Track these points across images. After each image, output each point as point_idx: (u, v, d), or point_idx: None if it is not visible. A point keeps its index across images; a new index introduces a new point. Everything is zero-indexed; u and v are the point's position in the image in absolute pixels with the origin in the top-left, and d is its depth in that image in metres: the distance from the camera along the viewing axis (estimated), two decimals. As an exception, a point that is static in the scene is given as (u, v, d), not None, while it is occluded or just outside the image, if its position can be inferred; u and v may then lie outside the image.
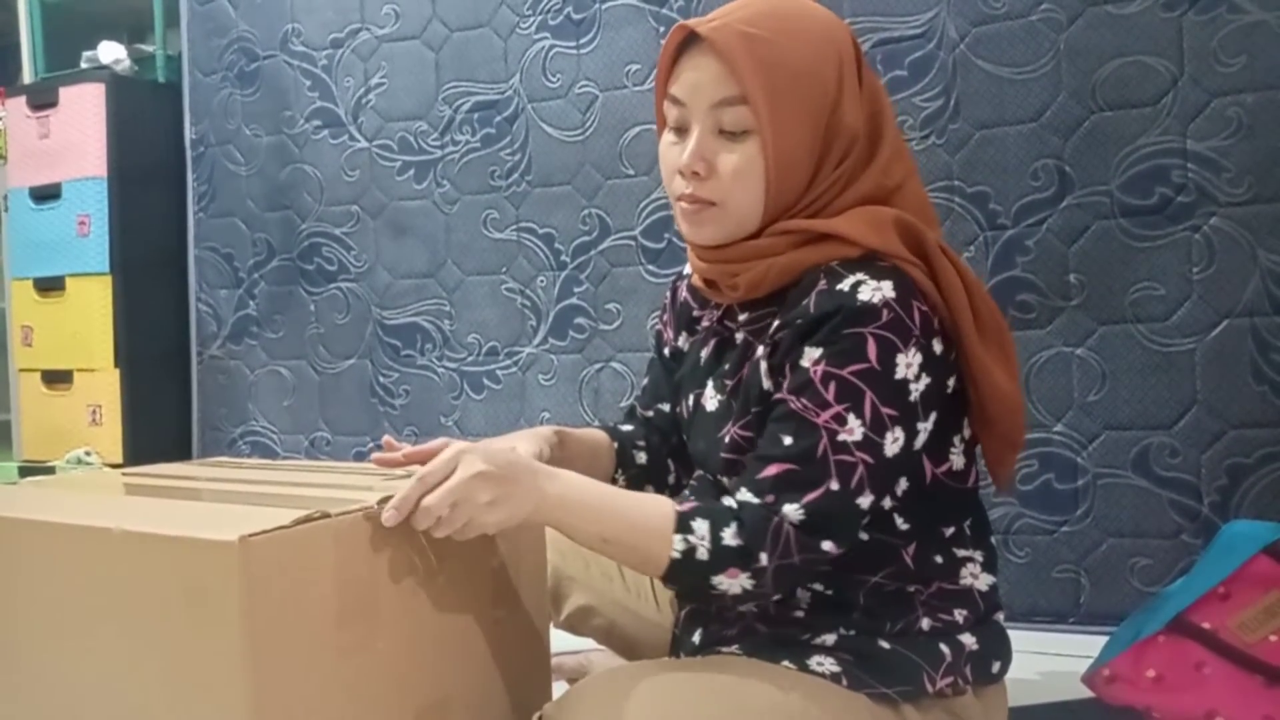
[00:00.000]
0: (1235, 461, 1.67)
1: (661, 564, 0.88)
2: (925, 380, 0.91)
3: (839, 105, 0.94)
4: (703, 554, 0.87)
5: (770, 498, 0.88)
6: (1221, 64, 1.66)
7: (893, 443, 0.90)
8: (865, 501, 0.89)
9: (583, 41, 2.15)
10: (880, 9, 1.87)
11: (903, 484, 0.95)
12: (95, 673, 0.81)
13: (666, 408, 1.21)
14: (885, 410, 0.89)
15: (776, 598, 0.93)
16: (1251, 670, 1.24)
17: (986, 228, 1.81)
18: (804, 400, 0.89)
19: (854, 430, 0.88)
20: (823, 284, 0.92)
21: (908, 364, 0.90)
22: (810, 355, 0.90)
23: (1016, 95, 1.79)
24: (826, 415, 0.88)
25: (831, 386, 0.89)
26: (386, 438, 1.00)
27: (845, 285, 0.91)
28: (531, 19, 2.19)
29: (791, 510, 0.87)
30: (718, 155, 0.94)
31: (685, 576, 0.89)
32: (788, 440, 0.89)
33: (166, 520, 0.81)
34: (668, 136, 0.99)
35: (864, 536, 0.93)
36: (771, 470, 0.89)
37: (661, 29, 2.07)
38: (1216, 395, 1.68)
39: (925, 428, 0.92)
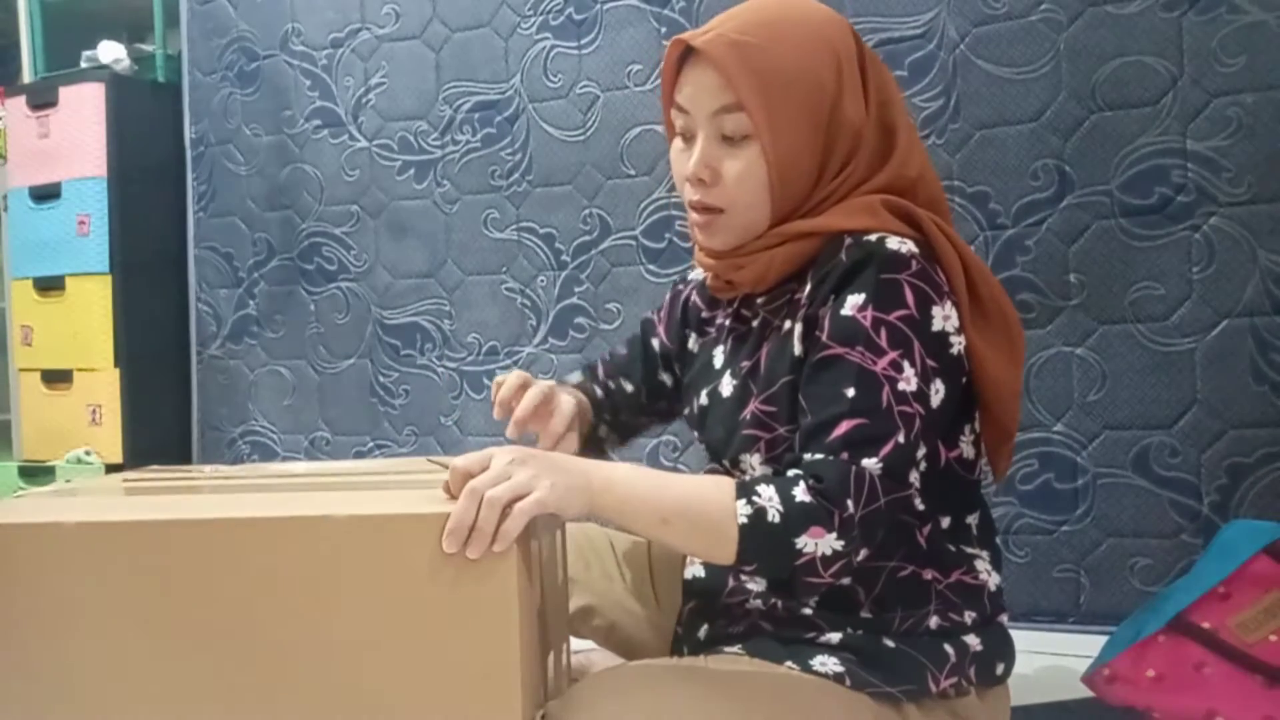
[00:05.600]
0: (1235, 461, 1.67)
1: (729, 536, 0.83)
2: (961, 341, 0.92)
3: (839, 103, 0.95)
4: (774, 515, 0.83)
5: (845, 455, 0.85)
6: (1221, 64, 1.66)
7: (935, 394, 0.90)
8: (921, 454, 0.89)
9: (584, 42, 2.15)
10: (880, 9, 1.88)
11: (921, 462, 0.94)
12: (333, 655, 0.81)
13: (630, 387, 1.23)
14: (929, 362, 0.89)
15: (863, 555, 0.87)
16: (1251, 670, 1.24)
17: (986, 228, 1.81)
18: (860, 349, 0.88)
19: (910, 380, 0.88)
20: (849, 240, 0.93)
21: (944, 316, 0.91)
22: (853, 302, 0.90)
23: (1016, 95, 1.79)
24: (884, 363, 0.88)
25: (883, 332, 0.88)
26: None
27: (872, 238, 0.92)
28: (532, 19, 2.19)
29: (871, 464, 0.85)
30: (721, 162, 0.96)
31: (761, 546, 0.83)
32: (850, 392, 0.87)
33: (356, 504, 0.83)
34: (677, 144, 1.01)
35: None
36: (841, 428, 0.86)
37: (663, 29, 2.07)
38: (1216, 395, 1.68)
39: (950, 388, 0.92)
